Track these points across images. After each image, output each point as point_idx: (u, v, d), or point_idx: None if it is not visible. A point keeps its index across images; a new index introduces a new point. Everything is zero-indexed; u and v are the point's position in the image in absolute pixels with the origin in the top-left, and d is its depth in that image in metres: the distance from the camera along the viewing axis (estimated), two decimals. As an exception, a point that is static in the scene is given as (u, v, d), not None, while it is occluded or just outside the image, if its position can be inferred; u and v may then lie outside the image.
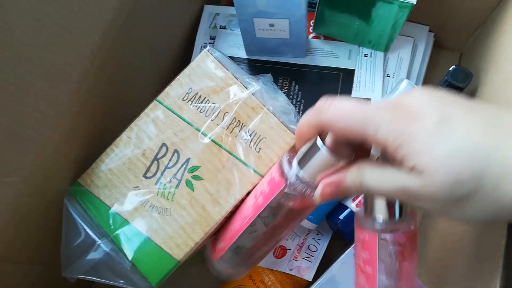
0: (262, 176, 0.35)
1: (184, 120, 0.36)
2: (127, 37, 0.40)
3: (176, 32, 0.52)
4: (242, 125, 0.36)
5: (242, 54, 0.51)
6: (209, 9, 0.55)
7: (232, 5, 0.43)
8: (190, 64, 0.37)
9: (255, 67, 0.50)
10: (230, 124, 0.36)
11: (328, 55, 0.50)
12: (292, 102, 0.48)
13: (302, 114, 0.47)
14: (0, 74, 0.29)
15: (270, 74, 0.41)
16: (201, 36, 0.53)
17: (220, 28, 0.53)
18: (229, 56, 0.51)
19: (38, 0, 0.31)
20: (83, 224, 0.35)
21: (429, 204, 0.23)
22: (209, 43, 0.53)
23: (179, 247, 0.35)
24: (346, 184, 0.26)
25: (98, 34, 0.36)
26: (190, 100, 0.37)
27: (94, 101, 0.38)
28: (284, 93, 0.48)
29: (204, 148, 0.36)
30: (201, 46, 0.53)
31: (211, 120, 0.36)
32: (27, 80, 0.31)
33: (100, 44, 0.37)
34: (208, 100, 0.36)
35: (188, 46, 0.54)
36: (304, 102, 0.48)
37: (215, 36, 0.53)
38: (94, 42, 0.36)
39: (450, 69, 0.44)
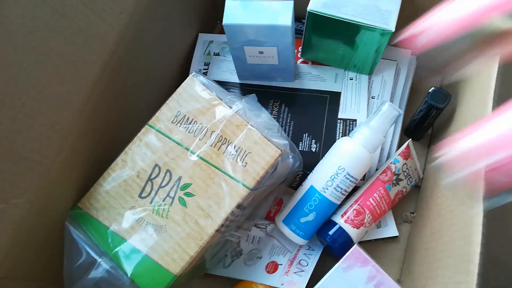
0: (250, 189, 0.37)
1: (174, 141, 0.39)
2: (126, 66, 0.43)
3: (173, 60, 0.55)
4: (228, 142, 0.38)
5: (234, 79, 0.54)
6: (203, 37, 0.58)
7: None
8: (177, 90, 0.40)
9: (247, 91, 0.53)
10: (217, 141, 0.38)
11: (315, 79, 0.53)
12: (281, 124, 0.51)
13: (291, 135, 0.50)
14: (9, 104, 0.31)
15: (254, 94, 0.44)
16: (196, 62, 0.56)
17: (214, 55, 0.56)
18: (222, 81, 0.54)
19: (45, 37, 0.34)
20: (83, 244, 0.37)
21: None
22: (204, 69, 0.56)
23: (176, 261, 0.37)
24: None
25: (99, 65, 0.39)
26: (179, 122, 0.39)
27: (95, 126, 0.40)
28: (274, 115, 0.51)
29: (194, 165, 0.38)
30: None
31: (199, 139, 0.39)
32: (33, 108, 0.33)
33: (101, 74, 0.40)
34: (195, 121, 0.39)
35: (184, 72, 0.57)
36: (293, 124, 0.51)
37: (209, 63, 0.56)
38: (95, 72, 0.39)
39: (430, 91, 0.47)
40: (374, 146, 0.44)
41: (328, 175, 0.43)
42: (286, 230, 0.45)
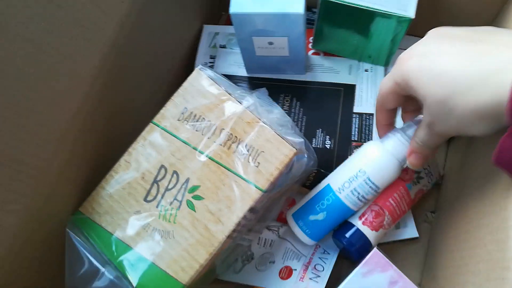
0: (263, 191, 0.35)
1: (180, 140, 0.36)
2: (127, 60, 0.41)
3: (176, 53, 0.52)
4: (239, 140, 0.35)
5: (242, 72, 0.51)
6: (208, 29, 0.55)
7: (231, 24, 0.43)
8: (183, 84, 0.37)
9: (256, 85, 0.50)
10: (227, 140, 0.36)
11: (328, 71, 0.50)
12: (293, 119, 0.48)
13: (304, 131, 0.47)
14: (0, 102, 0.29)
15: (265, 88, 0.41)
16: (201, 56, 0.53)
17: (220, 47, 0.53)
18: (229, 75, 0.51)
19: (38, 29, 0.31)
20: (86, 252, 0.34)
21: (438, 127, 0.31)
22: (209, 62, 0.53)
23: (184, 270, 0.35)
24: None
25: (98, 58, 0.37)
26: (185, 119, 0.37)
27: (95, 125, 0.38)
28: (286, 110, 0.48)
29: (203, 166, 0.35)
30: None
31: (208, 138, 0.36)
32: (27, 107, 0.31)
33: (100, 68, 0.37)
34: (203, 118, 0.36)
35: (188, 66, 0.54)
36: (306, 119, 0.48)
37: (215, 56, 0.53)
38: (94, 66, 0.36)
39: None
40: (405, 157, 0.39)
41: (347, 176, 0.40)
42: (294, 225, 0.42)
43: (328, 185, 0.41)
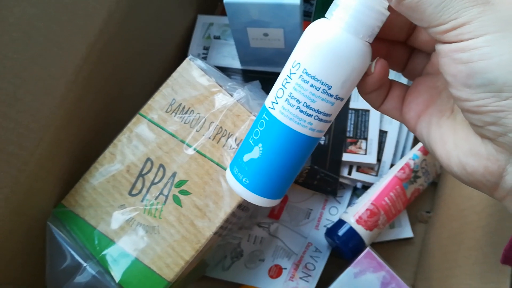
0: None
1: (168, 132, 0.35)
2: (115, 48, 0.39)
3: (169, 43, 0.50)
4: (228, 134, 0.34)
5: (236, 64, 0.50)
6: (203, 19, 0.53)
7: (227, 14, 0.42)
8: (172, 75, 0.36)
9: (250, 78, 0.49)
10: (217, 133, 0.34)
11: (325, 65, 0.49)
12: (288, 114, 0.46)
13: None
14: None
15: (257, 80, 0.39)
16: (195, 46, 0.52)
17: (214, 38, 0.52)
18: (223, 67, 0.50)
19: (25, 14, 0.30)
20: (67, 247, 0.33)
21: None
22: (203, 53, 0.51)
23: (169, 267, 0.33)
24: None
25: (86, 46, 0.35)
26: (173, 111, 0.35)
27: (80, 115, 0.36)
28: (280, 104, 0.47)
29: (190, 160, 0.34)
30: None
31: (196, 131, 0.35)
32: (10, 94, 0.30)
33: (88, 56, 0.35)
34: (192, 110, 0.35)
35: (181, 57, 0.52)
36: (300, 114, 0.46)
37: (208, 47, 0.52)
38: (81, 54, 0.35)
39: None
40: (367, 26, 0.22)
41: (280, 80, 0.25)
42: (229, 177, 0.28)
43: (264, 104, 0.26)
